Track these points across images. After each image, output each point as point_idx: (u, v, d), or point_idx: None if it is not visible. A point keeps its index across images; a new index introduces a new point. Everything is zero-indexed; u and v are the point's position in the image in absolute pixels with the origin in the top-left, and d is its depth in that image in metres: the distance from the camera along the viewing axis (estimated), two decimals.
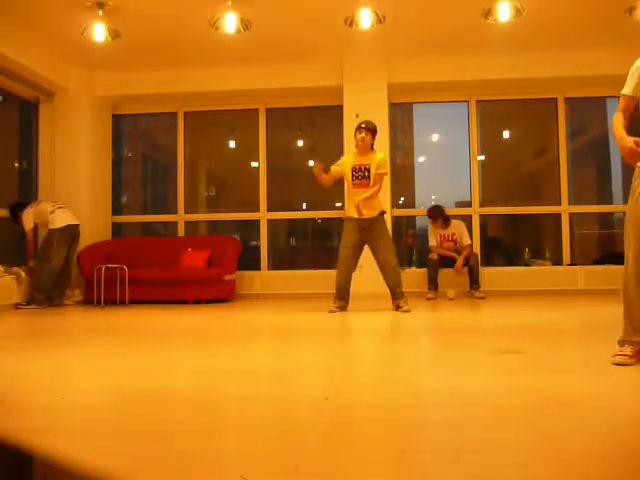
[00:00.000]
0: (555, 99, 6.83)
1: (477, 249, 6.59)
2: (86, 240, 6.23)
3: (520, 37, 5.75)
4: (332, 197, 6.85)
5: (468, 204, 6.89)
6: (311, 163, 6.92)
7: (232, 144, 8.06)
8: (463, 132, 6.92)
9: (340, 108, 6.56)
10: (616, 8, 5.08)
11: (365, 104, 6.33)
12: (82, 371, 2.73)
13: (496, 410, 1.84)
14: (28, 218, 5.72)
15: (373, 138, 4.84)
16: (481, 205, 6.88)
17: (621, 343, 2.53)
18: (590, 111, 7.41)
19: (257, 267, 6.92)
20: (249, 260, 6.83)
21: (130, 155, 8.20)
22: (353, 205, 4.78)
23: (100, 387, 2.31)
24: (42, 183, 6.59)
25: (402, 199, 7.26)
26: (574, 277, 6.39)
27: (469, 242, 6.32)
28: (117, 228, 7.23)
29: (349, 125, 6.02)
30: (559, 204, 6.78)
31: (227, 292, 6.17)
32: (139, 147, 8.33)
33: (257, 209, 7.04)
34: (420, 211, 6.96)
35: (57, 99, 6.55)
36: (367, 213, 4.75)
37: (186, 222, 7.18)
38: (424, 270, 6.28)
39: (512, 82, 6.52)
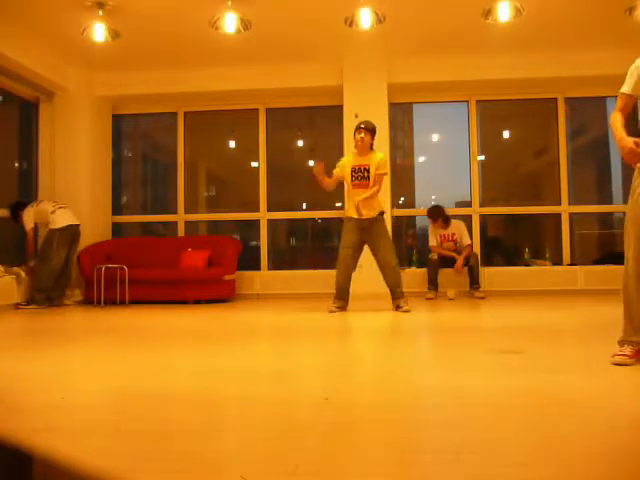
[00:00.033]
0: (555, 99, 6.83)
1: (477, 249, 6.59)
2: (86, 240, 6.23)
3: (520, 37, 5.75)
4: (332, 197, 6.85)
5: (468, 204, 6.89)
6: (311, 163, 6.94)
7: (232, 144, 8.06)
8: (463, 132, 6.92)
9: (340, 108, 6.56)
10: (616, 8, 5.08)
11: (365, 104, 6.33)
12: (82, 371, 2.73)
13: (496, 410, 1.85)
14: (29, 218, 5.71)
15: (372, 138, 4.84)
16: (481, 205, 6.88)
17: (621, 343, 2.53)
18: (590, 111, 7.41)
19: (257, 267, 6.92)
20: (249, 260, 6.83)
21: (130, 155, 8.20)
22: (353, 205, 4.78)
23: (100, 387, 2.31)
24: (42, 183, 6.59)
25: (402, 199, 7.26)
26: (574, 277, 6.39)
27: (469, 242, 6.32)
28: (117, 228, 7.23)
29: (349, 125, 6.02)
30: (559, 204, 6.79)
31: (227, 292, 6.17)
32: (139, 147, 8.33)
33: (257, 209, 7.04)
34: (420, 211, 6.96)
35: (57, 99, 6.55)
36: (367, 213, 4.75)
37: (186, 222, 7.18)
38: (424, 270, 6.28)
39: (512, 82, 6.52)
